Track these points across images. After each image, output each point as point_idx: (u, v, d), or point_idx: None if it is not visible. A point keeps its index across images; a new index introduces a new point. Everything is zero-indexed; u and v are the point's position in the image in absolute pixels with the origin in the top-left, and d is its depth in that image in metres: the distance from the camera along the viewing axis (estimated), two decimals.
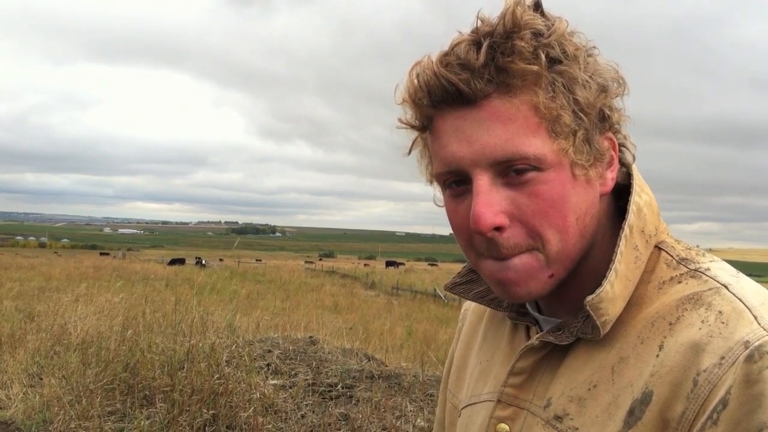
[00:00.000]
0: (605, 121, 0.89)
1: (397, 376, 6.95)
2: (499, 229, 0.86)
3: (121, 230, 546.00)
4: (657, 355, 0.84)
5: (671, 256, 0.93)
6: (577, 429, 0.89)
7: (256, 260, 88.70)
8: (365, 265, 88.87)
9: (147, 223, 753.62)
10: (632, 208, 0.92)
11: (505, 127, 0.84)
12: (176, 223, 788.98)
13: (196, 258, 60.96)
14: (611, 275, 0.88)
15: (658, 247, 0.95)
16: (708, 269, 0.90)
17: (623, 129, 0.94)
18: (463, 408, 1.15)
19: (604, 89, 0.88)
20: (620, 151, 0.94)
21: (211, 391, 5.43)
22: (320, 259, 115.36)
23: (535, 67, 0.83)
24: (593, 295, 0.87)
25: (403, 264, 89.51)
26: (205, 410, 5.26)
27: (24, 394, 6.23)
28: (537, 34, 0.84)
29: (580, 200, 0.88)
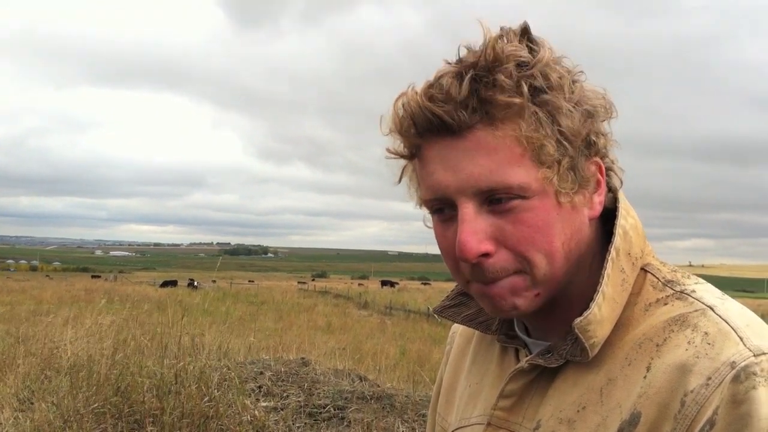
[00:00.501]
0: (591, 147, 0.90)
1: (389, 397, 6.92)
2: (485, 255, 0.88)
3: (112, 252, 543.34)
4: (645, 377, 0.85)
5: (657, 278, 0.95)
6: None
7: (249, 281, 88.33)
8: (359, 284, 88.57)
9: (139, 245, 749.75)
10: (618, 231, 0.93)
11: (489, 158, 0.86)
12: (168, 245, 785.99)
13: (189, 280, 60.68)
14: (599, 297, 0.89)
15: (644, 270, 0.96)
16: (693, 291, 0.92)
17: (611, 153, 0.96)
18: (453, 431, 1.15)
19: (590, 115, 0.89)
20: (607, 175, 0.95)
21: (201, 414, 5.40)
22: (313, 280, 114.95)
23: (517, 100, 0.84)
24: (581, 318, 0.88)
25: (398, 283, 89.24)
26: None
27: (15, 418, 6.17)
28: (520, 65, 0.86)
29: (565, 225, 0.89)
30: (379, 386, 7.83)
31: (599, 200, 0.93)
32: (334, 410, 6.45)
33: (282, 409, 6.35)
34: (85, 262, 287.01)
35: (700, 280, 0.96)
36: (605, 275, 0.90)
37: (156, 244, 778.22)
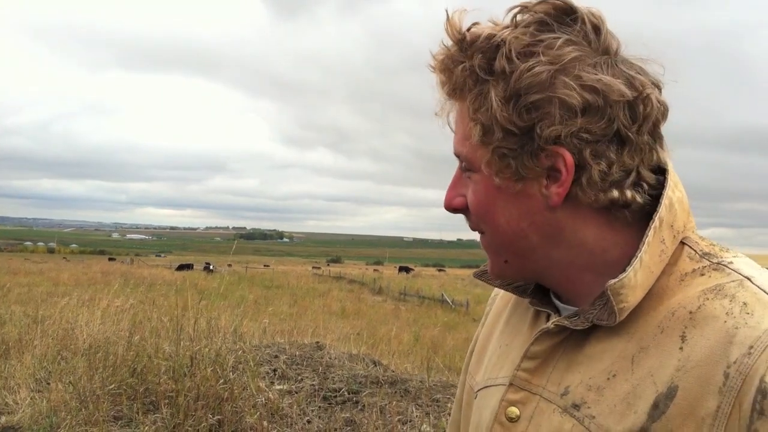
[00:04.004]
0: (537, 139, 0.89)
1: (403, 382, 6.94)
2: (459, 211, 1.02)
3: (129, 236, 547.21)
4: (681, 348, 0.85)
5: (694, 250, 0.95)
6: (594, 417, 0.90)
7: (264, 265, 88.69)
8: (375, 270, 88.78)
9: (155, 228, 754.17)
10: (665, 202, 0.93)
11: (457, 127, 0.98)
12: (184, 228, 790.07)
13: (205, 263, 60.98)
14: (636, 263, 0.89)
15: (682, 242, 0.96)
16: (731, 263, 0.92)
17: (601, 145, 0.90)
18: (479, 390, 1.17)
19: (537, 108, 0.88)
20: (651, 152, 0.93)
21: (216, 396, 5.43)
22: (328, 265, 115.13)
23: (459, 79, 0.93)
24: (615, 280, 0.89)
25: (413, 269, 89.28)
26: (210, 415, 5.27)
27: (31, 399, 6.24)
28: (468, 49, 0.92)
29: (508, 207, 0.95)
30: (393, 371, 7.86)
31: (557, 191, 0.92)
32: (348, 394, 6.47)
33: (296, 393, 6.38)
34: (102, 245, 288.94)
35: (739, 254, 0.96)
36: (645, 243, 0.91)
37: (172, 228, 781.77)
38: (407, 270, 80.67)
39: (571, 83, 0.87)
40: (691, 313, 0.86)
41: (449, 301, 32.79)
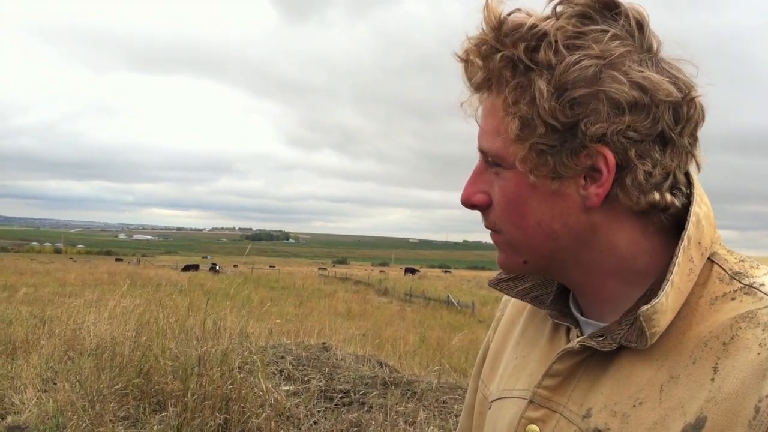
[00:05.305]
0: (581, 136, 0.85)
1: (410, 383, 6.93)
2: (478, 207, 0.97)
3: (135, 236, 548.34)
4: (712, 379, 0.82)
5: (724, 270, 0.92)
6: None
7: (270, 266, 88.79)
8: (380, 271, 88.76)
9: (162, 229, 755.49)
10: (692, 219, 0.90)
11: (486, 121, 0.93)
12: (191, 229, 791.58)
13: (211, 264, 61.07)
14: (667, 287, 0.86)
15: (710, 260, 0.93)
16: (762, 284, 0.89)
17: (647, 145, 0.88)
18: (493, 401, 1.14)
19: (581, 103, 0.84)
20: (688, 155, 0.90)
21: (223, 397, 5.43)
22: (333, 266, 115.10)
23: (495, 69, 0.88)
24: (648, 306, 0.85)
25: (419, 270, 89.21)
26: (217, 414, 5.27)
27: (38, 399, 6.24)
28: (508, 37, 0.87)
29: (542, 206, 0.91)
30: (399, 372, 7.85)
31: (596, 192, 0.88)
32: (355, 395, 6.47)
33: (303, 393, 6.38)
34: (108, 245, 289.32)
35: None
36: (675, 264, 0.87)
37: (178, 229, 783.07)
38: (413, 271, 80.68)
39: (621, 78, 0.84)
40: (724, 344, 0.84)
41: (455, 303, 32.75)
